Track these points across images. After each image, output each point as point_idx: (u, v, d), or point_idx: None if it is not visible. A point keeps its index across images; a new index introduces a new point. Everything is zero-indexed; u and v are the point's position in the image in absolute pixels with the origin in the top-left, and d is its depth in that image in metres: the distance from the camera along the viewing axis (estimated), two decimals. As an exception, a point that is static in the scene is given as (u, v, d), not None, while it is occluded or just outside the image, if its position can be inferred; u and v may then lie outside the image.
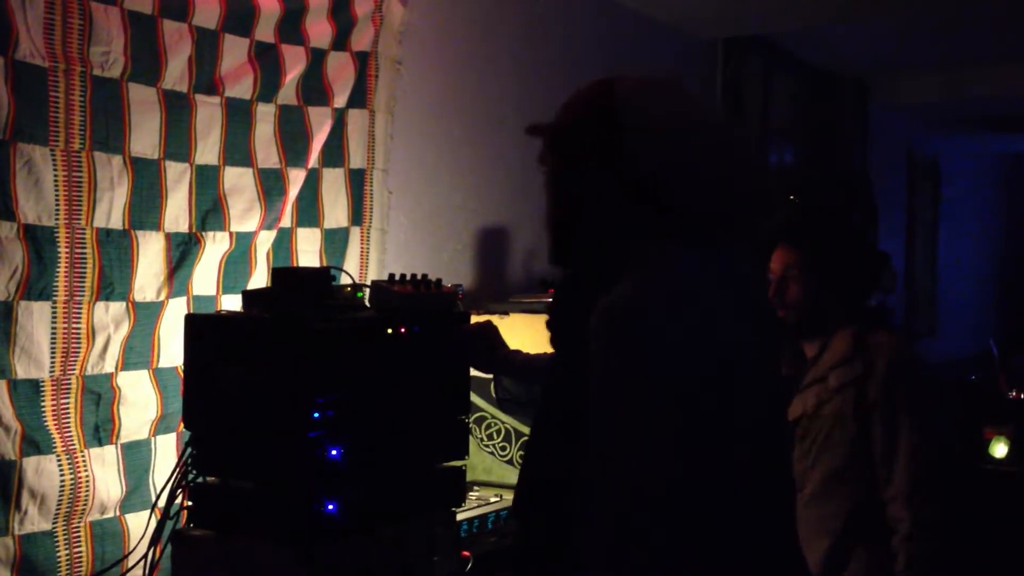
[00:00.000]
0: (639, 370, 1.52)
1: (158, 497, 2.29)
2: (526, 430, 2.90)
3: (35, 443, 2.31)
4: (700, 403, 1.54)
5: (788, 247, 2.57)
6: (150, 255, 2.54)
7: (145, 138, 2.51)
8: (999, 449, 4.62)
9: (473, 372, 2.36)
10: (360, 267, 3.08)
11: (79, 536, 2.40)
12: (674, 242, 1.62)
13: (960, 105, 6.85)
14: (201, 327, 2.16)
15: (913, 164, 7.84)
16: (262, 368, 2.02)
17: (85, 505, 2.40)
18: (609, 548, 1.52)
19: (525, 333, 2.91)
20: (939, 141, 8.13)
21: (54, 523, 2.35)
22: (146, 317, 2.54)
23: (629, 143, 1.61)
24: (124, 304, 2.49)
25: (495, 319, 2.96)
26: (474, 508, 2.54)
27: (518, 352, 2.29)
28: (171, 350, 2.57)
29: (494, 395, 2.91)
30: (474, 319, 2.41)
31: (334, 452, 1.98)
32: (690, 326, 1.55)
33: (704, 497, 1.54)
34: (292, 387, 1.97)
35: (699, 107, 1.73)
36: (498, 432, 2.95)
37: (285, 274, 2.22)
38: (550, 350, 2.84)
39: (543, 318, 2.89)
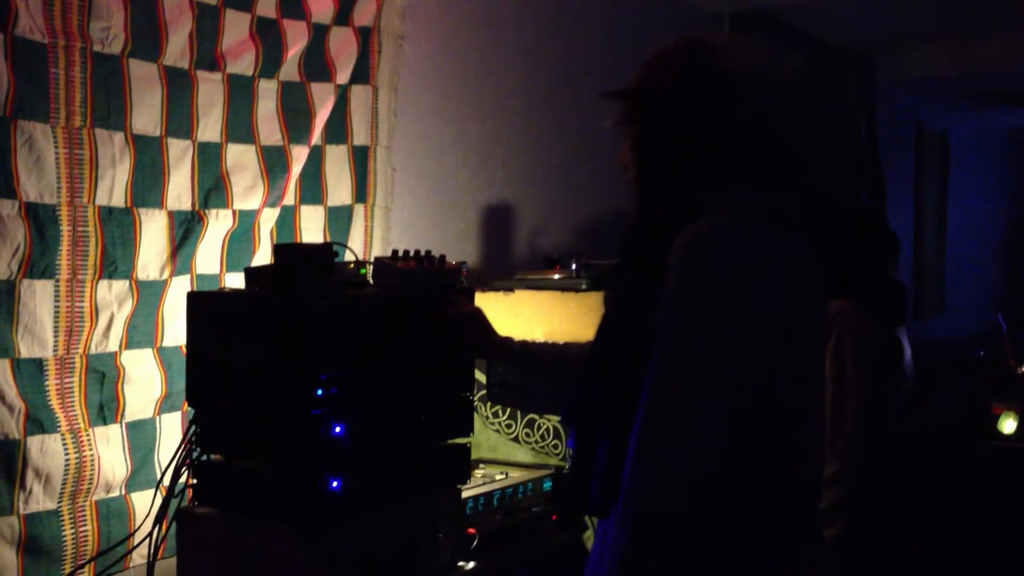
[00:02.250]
0: (717, 298, 1.55)
1: (162, 475, 2.28)
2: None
3: (39, 422, 2.31)
4: (769, 339, 1.57)
5: None
6: (153, 233, 2.53)
7: (146, 115, 2.49)
8: (1008, 424, 4.61)
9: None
10: (364, 245, 3.07)
11: (84, 515, 2.40)
12: (749, 187, 1.67)
13: (969, 79, 6.79)
14: (204, 305, 2.15)
15: (922, 139, 7.79)
16: (265, 346, 2.01)
17: (90, 484, 2.40)
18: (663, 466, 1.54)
19: (531, 310, 2.90)
20: (948, 116, 8.07)
21: (59, 502, 2.35)
22: (149, 296, 2.53)
23: (728, 89, 1.66)
24: (127, 282, 2.48)
25: (500, 296, 2.95)
26: (480, 486, 2.54)
27: (510, 338, 2.28)
28: (175, 329, 2.57)
29: (485, 382, 2.89)
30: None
31: (338, 430, 1.98)
32: (767, 264, 1.60)
33: (765, 425, 1.57)
34: (295, 364, 1.96)
35: (791, 62, 1.78)
36: (503, 409, 2.94)
37: (287, 251, 2.20)
38: (555, 325, 2.85)
39: (548, 294, 2.90)
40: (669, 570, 1.54)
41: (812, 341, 1.71)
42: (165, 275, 2.56)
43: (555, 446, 2.85)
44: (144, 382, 2.53)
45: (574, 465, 1.77)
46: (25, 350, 2.30)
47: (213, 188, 2.65)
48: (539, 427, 2.88)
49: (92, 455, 2.40)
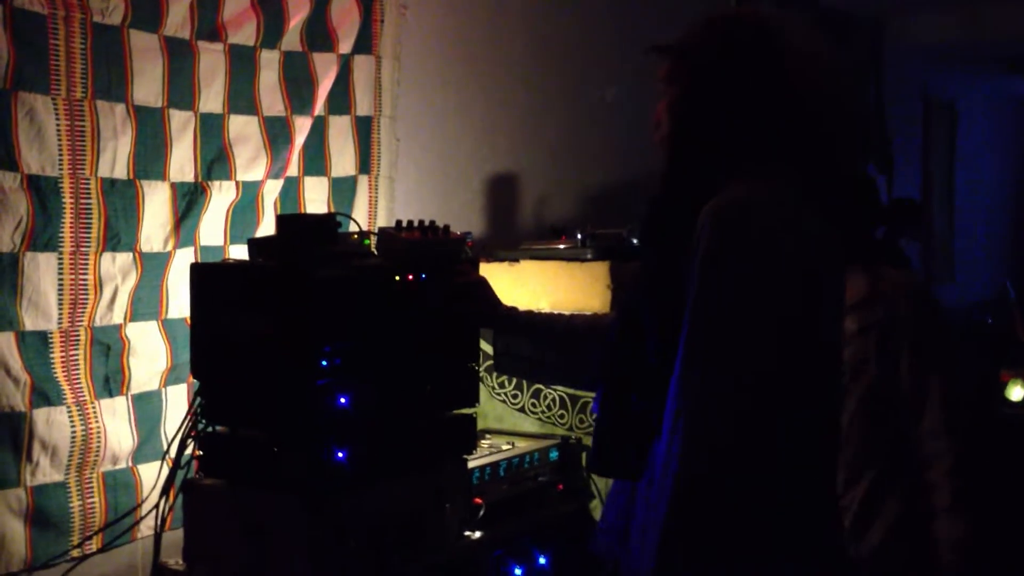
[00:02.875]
0: (750, 264, 1.59)
1: (169, 447, 2.29)
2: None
3: (45, 394, 2.31)
4: (799, 306, 1.62)
5: None
6: (156, 205, 2.52)
7: (148, 86, 2.47)
8: (1016, 392, 4.60)
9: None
10: (369, 216, 3.05)
11: (92, 487, 2.41)
12: (780, 160, 1.71)
13: (978, 45, 6.72)
14: (207, 276, 2.14)
15: (929, 107, 7.72)
16: (269, 317, 2.00)
17: (97, 456, 2.40)
18: (705, 428, 1.57)
19: (536, 280, 2.90)
20: (956, 83, 8.00)
21: (66, 474, 2.35)
22: (153, 268, 2.52)
23: (783, 65, 1.70)
24: (131, 255, 2.47)
25: (505, 266, 2.94)
26: (486, 456, 2.53)
27: (515, 308, 2.27)
28: (180, 301, 2.56)
29: (492, 352, 2.88)
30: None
31: (343, 400, 1.97)
32: (796, 229, 1.64)
33: (796, 390, 1.62)
34: (299, 335, 1.96)
35: (818, 37, 1.84)
36: (509, 380, 2.93)
37: (291, 222, 2.19)
38: (561, 294, 2.84)
39: (554, 264, 2.88)
40: (710, 528, 1.57)
41: (835, 300, 1.75)
42: (169, 247, 2.55)
43: (561, 416, 2.85)
44: (149, 354, 2.53)
45: (599, 428, 1.78)
46: (30, 323, 2.30)
47: (216, 159, 2.64)
48: (545, 397, 2.88)
49: (98, 427, 2.41)
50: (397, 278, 2.11)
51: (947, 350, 2.46)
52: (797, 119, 1.70)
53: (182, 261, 2.56)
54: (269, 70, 2.74)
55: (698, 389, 1.59)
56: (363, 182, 3.04)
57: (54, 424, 2.33)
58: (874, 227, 2.63)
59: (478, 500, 2.36)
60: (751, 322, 1.59)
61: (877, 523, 2.42)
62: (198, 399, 2.14)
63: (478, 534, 2.34)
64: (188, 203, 2.58)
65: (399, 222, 2.21)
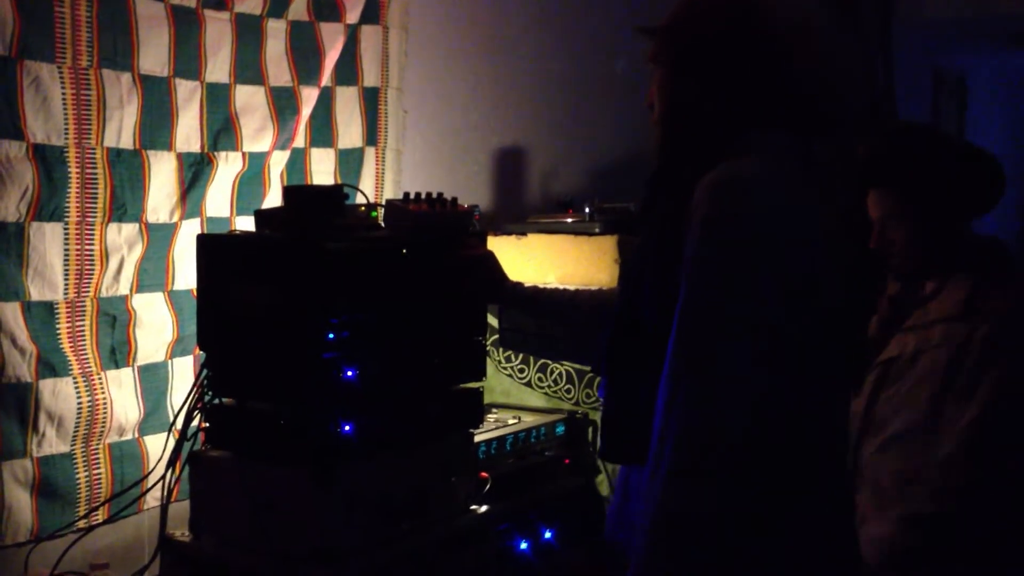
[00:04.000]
0: (743, 240, 1.56)
1: (175, 418, 2.29)
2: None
3: (51, 365, 2.31)
4: (796, 284, 1.58)
5: (880, 190, 2.28)
6: (162, 176, 2.50)
7: (154, 55, 2.45)
8: None
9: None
10: (375, 188, 3.04)
11: (98, 458, 2.41)
12: (777, 132, 1.69)
13: (990, 20, 6.65)
14: (214, 248, 2.13)
15: (938, 83, 7.66)
16: (276, 289, 1.99)
17: (103, 427, 2.40)
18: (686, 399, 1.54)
19: (543, 253, 2.88)
20: (966, 59, 7.93)
21: (72, 445, 2.35)
22: (160, 239, 2.51)
23: (770, 38, 1.67)
24: (137, 225, 2.46)
25: (512, 239, 2.93)
26: (492, 430, 2.52)
27: (521, 283, 2.26)
28: (186, 272, 2.55)
29: (498, 327, 2.87)
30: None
31: (350, 373, 1.96)
32: (792, 208, 1.61)
33: (789, 365, 1.58)
34: (306, 308, 1.95)
35: (816, 11, 1.79)
36: (516, 354, 2.92)
37: (298, 193, 2.17)
38: (568, 268, 2.83)
39: (561, 238, 2.87)
40: (706, 509, 1.54)
41: (838, 283, 1.70)
42: (175, 218, 2.54)
43: (568, 391, 2.84)
44: (155, 326, 2.52)
45: (606, 414, 1.77)
46: (36, 293, 2.29)
47: (222, 130, 2.62)
48: (552, 372, 2.87)
49: (105, 398, 2.40)
50: (405, 251, 2.10)
51: (998, 397, 2.14)
52: (783, 88, 1.68)
53: (188, 232, 2.55)
54: (276, 39, 2.72)
55: (692, 357, 1.56)
56: (370, 154, 3.02)
57: (60, 395, 2.32)
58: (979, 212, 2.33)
59: (484, 474, 2.35)
60: (747, 292, 1.56)
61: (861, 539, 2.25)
62: (204, 371, 2.13)
63: (484, 508, 2.33)
64: (194, 174, 2.57)
65: (407, 194, 2.19)
